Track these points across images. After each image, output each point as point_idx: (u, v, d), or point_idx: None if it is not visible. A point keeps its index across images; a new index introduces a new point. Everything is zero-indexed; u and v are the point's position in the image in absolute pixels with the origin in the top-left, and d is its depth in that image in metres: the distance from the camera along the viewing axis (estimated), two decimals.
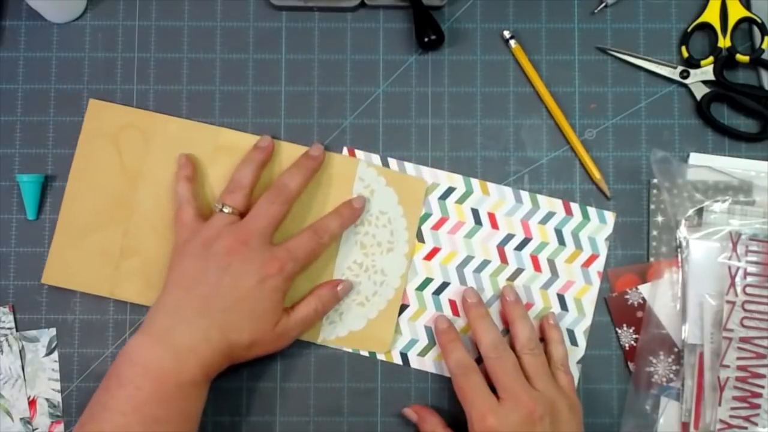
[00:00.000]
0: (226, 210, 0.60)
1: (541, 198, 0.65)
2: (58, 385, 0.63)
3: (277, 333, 0.59)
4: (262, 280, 0.57)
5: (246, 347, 0.58)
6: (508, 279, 0.64)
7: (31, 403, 0.63)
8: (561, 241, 0.64)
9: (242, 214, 0.61)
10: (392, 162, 0.65)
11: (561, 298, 0.64)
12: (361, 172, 0.65)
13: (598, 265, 0.64)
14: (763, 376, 0.60)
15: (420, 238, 0.64)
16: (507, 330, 0.62)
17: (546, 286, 0.64)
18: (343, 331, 0.64)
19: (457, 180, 0.65)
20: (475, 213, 0.65)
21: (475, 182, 0.65)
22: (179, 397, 0.55)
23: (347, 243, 0.64)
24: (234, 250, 0.58)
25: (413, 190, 0.65)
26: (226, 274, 0.57)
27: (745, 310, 0.61)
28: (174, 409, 0.55)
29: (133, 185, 0.64)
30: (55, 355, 0.64)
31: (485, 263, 0.64)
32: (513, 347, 0.60)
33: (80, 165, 0.65)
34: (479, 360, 0.59)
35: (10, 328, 0.64)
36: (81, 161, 0.65)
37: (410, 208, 0.64)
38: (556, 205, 0.65)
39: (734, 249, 0.62)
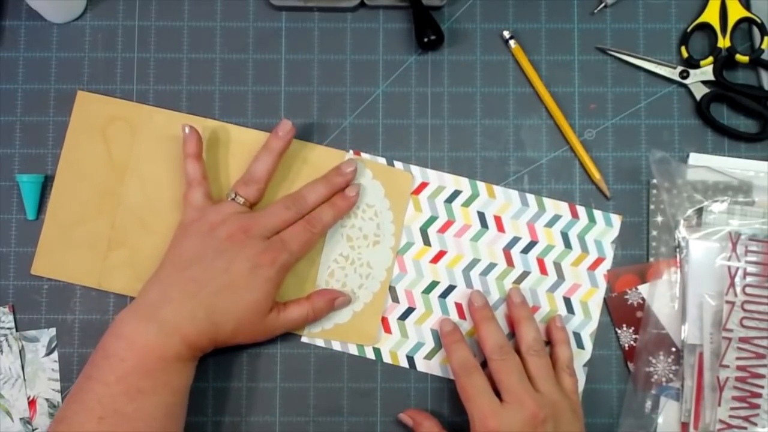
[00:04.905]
0: (238, 200, 0.61)
1: (547, 201, 0.65)
2: (58, 385, 0.63)
3: (264, 327, 0.59)
4: (254, 268, 0.58)
5: (230, 333, 0.58)
6: (514, 282, 0.64)
7: (31, 403, 0.63)
8: (567, 244, 0.64)
9: (252, 205, 0.62)
10: (398, 164, 0.65)
11: (567, 301, 0.64)
12: None
13: (605, 268, 0.64)
14: (762, 376, 0.61)
15: (426, 241, 0.64)
16: (513, 334, 0.62)
17: (552, 289, 0.64)
18: (329, 324, 0.64)
19: (463, 183, 0.65)
20: (482, 216, 0.65)
21: (481, 185, 0.65)
22: (164, 369, 0.55)
23: (333, 236, 0.64)
24: (234, 237, 0.58)
25: (400, 184, 0.65)
26: (221, 258, 0.58)
27: (745, 310, 0.61)
28: (159, 381, 0.55)
29: (121, 177, 0.65)
30: (55, 355, 0.64)
31: (491, 266, 0.64)
32: (518, 349, 0.60)
33: (69, 157, 0.65)
34: (484, 364, 0.59)
35: (10, 328, 0.64)
36: (69, 153, 0.65)
37: (397, 201, 0.64)
38: (563, 208, 0.65)
39: (734, 249, 0.62)
